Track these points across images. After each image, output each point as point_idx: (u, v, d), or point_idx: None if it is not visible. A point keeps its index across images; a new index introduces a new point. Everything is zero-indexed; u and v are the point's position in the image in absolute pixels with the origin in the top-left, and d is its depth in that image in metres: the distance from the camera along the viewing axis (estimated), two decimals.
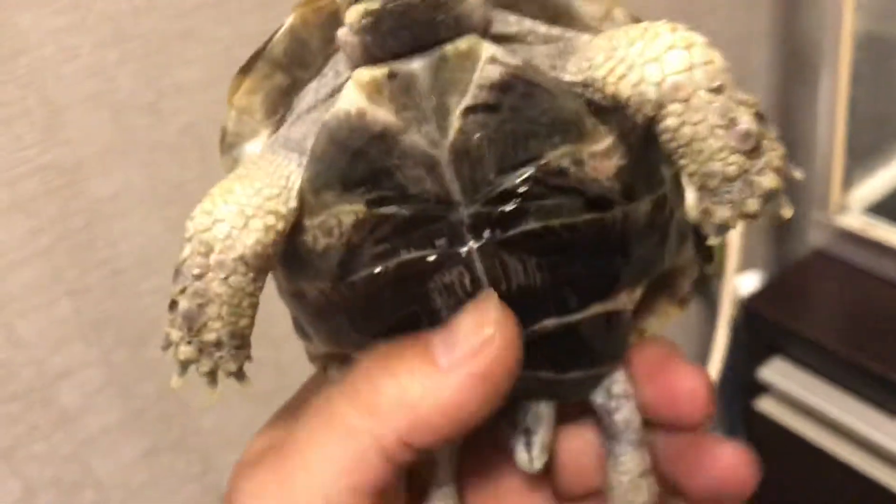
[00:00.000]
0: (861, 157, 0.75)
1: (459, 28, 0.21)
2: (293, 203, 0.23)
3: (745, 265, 0.82)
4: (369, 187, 0.22)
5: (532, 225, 0.22)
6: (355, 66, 0.22)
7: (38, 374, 0.53)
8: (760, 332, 0.74)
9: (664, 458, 0.26)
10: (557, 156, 0.22)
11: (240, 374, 0.24)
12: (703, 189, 0.21)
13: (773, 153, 0.21)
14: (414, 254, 0.23)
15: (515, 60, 0.22)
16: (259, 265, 0.23)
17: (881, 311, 0.69)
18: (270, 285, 0.27)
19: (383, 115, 0.21)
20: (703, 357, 0.87)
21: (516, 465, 0.27)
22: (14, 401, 0.53)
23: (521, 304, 0.23)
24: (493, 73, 0.21)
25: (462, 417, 0.22)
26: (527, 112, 0.22)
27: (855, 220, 0.73)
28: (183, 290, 0.23)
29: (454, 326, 0.23)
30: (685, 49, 0.21)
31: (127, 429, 0.58)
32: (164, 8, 0.50)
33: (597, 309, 0.24)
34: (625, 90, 0.21)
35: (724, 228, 0.22)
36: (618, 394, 0.26)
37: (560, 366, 0.25)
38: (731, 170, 0.21)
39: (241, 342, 0.23)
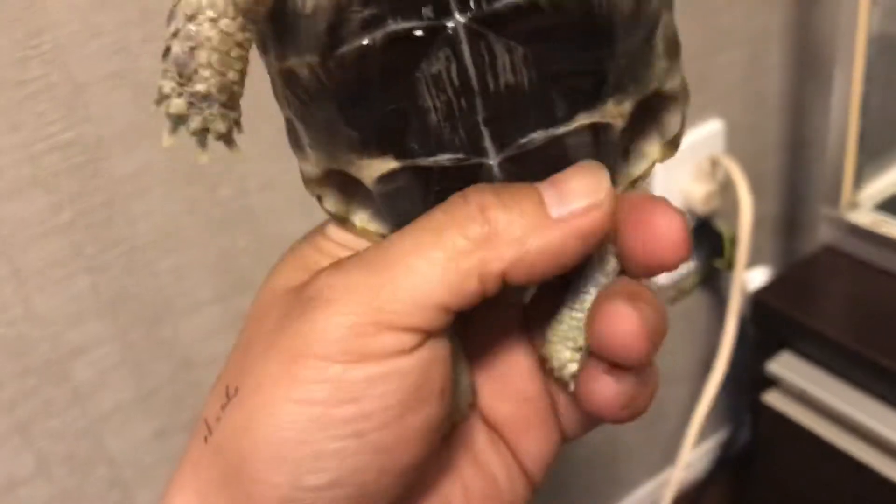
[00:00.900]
0: (872, 155, 0.76)
1: None
2: None
3: (754, 260, 0.83)
4: None
5: (524, 18, 0.23)
6: None
7: (54, 349, 0.54)
8: (769, 326, 0.74)
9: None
10: None
11: (229, 138, 0.24)
12: None
13: None
14: (401, 24, 0.23)
15: None
16: (247, 8, 0.23)
17: (891, 306, 0.69)
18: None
19: None
20: (711, 350, 0.88)
21: (550, 366, 0.28)
22: (29, 375, 0.53)
23: (509, 112, 0.24)
24: None
25: (558, 264, 0.24)
26: None
27: (865, 216, 0.73)
28: (175, 34, 0.23)
29: (567, 184, 0.24)
30: None
31: (140, 407, 0.58)
32: None
33: (584, 119, 0.25)
34: None
35: None
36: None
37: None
38: None
39: (229, 100, 0.24)
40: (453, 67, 0.23)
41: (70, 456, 0.56)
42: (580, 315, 0.28)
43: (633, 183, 0.28)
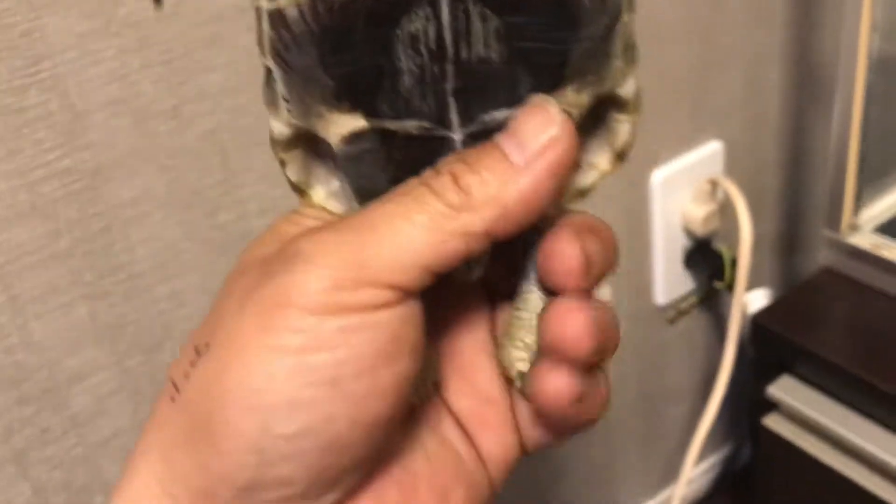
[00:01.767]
0: (872, 177, 0.76)
1: None
2: None
3: (754, 282, 0.83)
4: None
5: None
6: None
7: (51, 377, 0.53)
8: (769, 348, 0.74)
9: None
10: None
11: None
12: None
13: None
14: None
15: None
16: None
17: (891, 330, 0.69)
18: None
19: None
20: (712, 370, 0.88)
21: (500, 366, 0.29)
22: (27, 403, 0.53)
23: (477, 86, 0.25)
24: None
25: (538, 206, 0.25)
26: None
27: (865, 239, 0.73)
28: None
29: (519, 128, 0.25)
30: None
31: (138, 433, 0.58)
32: (188, 15, 0.50)
33: None
34: None
35: None
36: (540, 228, 0.27)
37: None
38: None
39: None
40: (431, 28, 0.24)
41: (67, 484, 0.55)
42: (525, 315, 0.28)
43: (581, 194, 0.30)
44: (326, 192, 0.29)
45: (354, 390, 0.24)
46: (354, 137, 0.26)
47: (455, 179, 0.25)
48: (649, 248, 0.82)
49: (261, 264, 0.26)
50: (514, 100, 0.26)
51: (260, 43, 0.27)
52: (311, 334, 0.24)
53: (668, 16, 0.72)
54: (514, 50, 0.25)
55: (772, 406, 0.73)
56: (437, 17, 0.24)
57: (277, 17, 0.25)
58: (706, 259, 0.83)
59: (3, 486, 0.53)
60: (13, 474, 0.53)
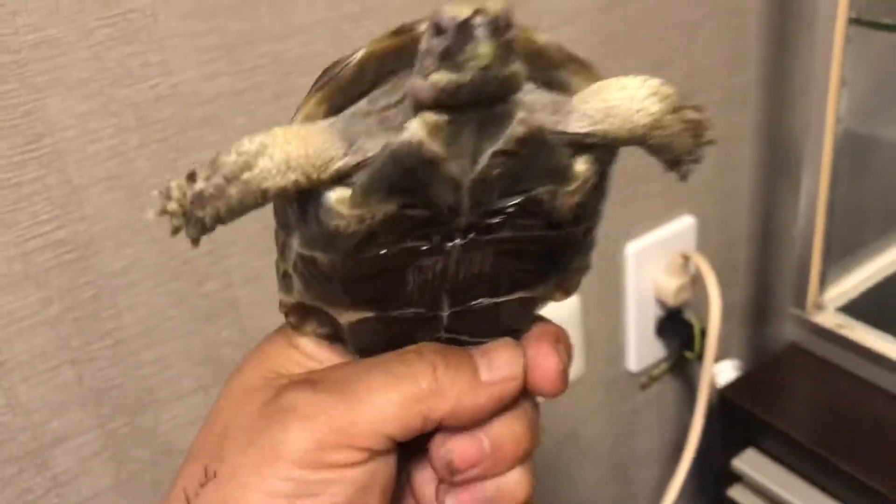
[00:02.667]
0: (838, 257, 0.78)
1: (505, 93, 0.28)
2: (324, 176, 0.28)
3: (723, 353, 0.85)
4: (406, 195, 0.28)
5: (505, 234, 0.30)
6: (420, 106, 0.27)
7: (35, 438, 0.55)
8: (736, 422, 0.76)
9: None
10: (542, 191, 0.29)
11: (196, 241, 0.29)
12: (673, 161, 0.31)
13: (705, 123, 0.31)
14: (414, 243, 0.29)
15: (536, 122, 0.28)
16: (272, 198, 0.28)
17: (853, 409, 0.71)
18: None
19: (436, 147, 0.27)
20: (681, 435, 0.89)
21: None
22: (9, 463, 0.54)
23: (467, 286, 0.31)
24: (519, 130, 0.28)
25: (480, 417, 0.32)
26: (533, 159, 0.29)
27: (829, 318, 0.76)
28: (208, 177, 0.28)
29: (493, 355, 0.33)
30: (655, 94, 0.29)
31: (118, 493, 0.59)
32: (185, 95, 0.52)
33: (518, 294, 0.32)
34: (622, 134, 0.29)
35: (690, 171, 0.32)
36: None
37: (477, 333, 0.33)
38: (687, 148, 0.31)
39: (214, 226, 0.28)
40: (439, 265, 0.30)
41: None
42: None
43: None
44: (316, 333, 0.35)
45: None
46: (361, 321, 0.32)
47: (433, 369, 0.31)
48: (623, 317, 0.84)
49: (259, 401, 0.32)
50: (496, 293, 0.32)
51: (282, 253, 0.32)
52: (299, 483, 0.30)
53: None
54: (502, 271, 0.31)
55: (737, 478, 0.75)
56: (447, 260, 0.30)
57: (309, 260, 0.31)
58: (677, 328, 0.86)
59: None
60: None
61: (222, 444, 0.32)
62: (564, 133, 0.29)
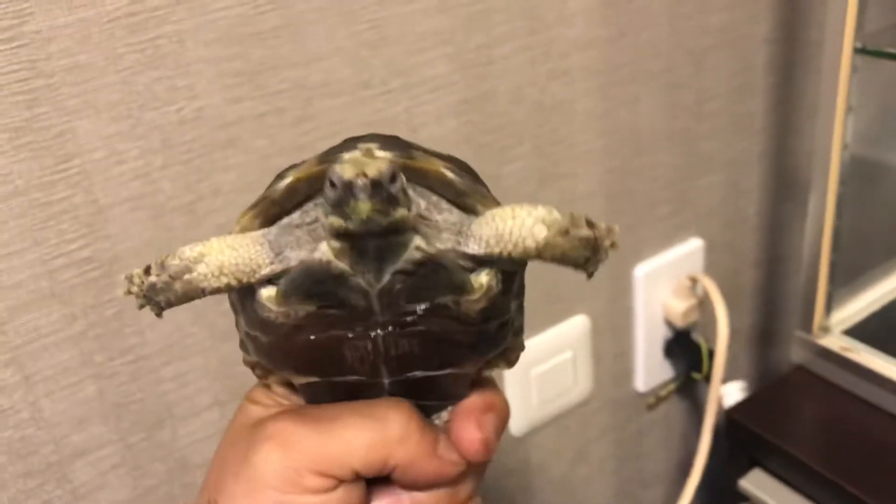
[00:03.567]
0: (844, 280, 0.79)
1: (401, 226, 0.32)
2: (252, 280, 0.33)
3: (730, 374, 0.86)
4: (322, 299, 0.33)
5: (420, 328, 0.34)
6: (330, 235, 0.32)
7: (56, 451, 0.56)
8: (742, 443, 0.77)
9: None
10: (446, 300, 0.34)
11: (159, 315, 0.34)
12: (574, 267, 0.34)
13: (603, 238, 0.34)
14: (341, 332, 0.34)
15: (432, 249, 0.33)
16: (210, 294, 0.34)
17: (858, 431, 0.72)
18: None
19: (342, 266, 0.32)
20: (688, 456, 0.90)
21: None
22: (30, 477, 0.55)
23: (400, 361, 0.35)
24: (416, 255, 0.33)
25: (424, 481, 0.37)
26: (432, 277, 0.33)
27: (835, 341, 0.77)
28: (158, 274, 0.33)
29: (456, 439, 0.38)
30: (542, 221, 0.33)
31: None
32: (209, 119, 0.54)
33: (450, 370, 0.36)
34: (517, 253, 0.33)
35: (591, 275, 0.35)
36: (444, 419, 0.39)
37: (421, 397, 0.37)
38: (584, 258, 0.34)
39: (169, 307, 0.34)
40: (369, 346, 0.35)
41: None
42: None
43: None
44: (280, 384, 0.40)
45: None
46: (309, 384, 0.37)
47: (409, 420, 0.36)
48: (631, 338, 0.85)
49: (249, 435, 0.37)
50: (429, 367, 0.36)
51: (236, 325, 0.38)
52: None
53: (654, 124, 0.77)
54: (428, 353, 0.35)
55: (743, 498, 0.76)
56: (375, 343, 0.34)
57: (252, 338, 0.37)
58: (685, 350, 0.87)
59: None
60: None
61: (220, 476, 0.37)
62: (463, 254, 0.34)
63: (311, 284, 0.33)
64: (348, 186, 0.30)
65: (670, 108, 0.77)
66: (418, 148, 0.36)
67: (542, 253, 0.33)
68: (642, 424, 0.91)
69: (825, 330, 0.78)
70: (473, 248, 0.34)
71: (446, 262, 0.33)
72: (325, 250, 0.32)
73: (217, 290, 0.34)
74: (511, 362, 0.40)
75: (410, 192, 0.33)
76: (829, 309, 0.78)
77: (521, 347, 0.40)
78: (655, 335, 0.86)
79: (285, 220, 0.34)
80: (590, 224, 0.34)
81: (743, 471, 0.76)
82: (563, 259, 0.34)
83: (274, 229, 0.34)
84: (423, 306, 0.34)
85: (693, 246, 0.85)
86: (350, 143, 0.35)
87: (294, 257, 0.33)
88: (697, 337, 0.87)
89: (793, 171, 0.89)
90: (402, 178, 0.31)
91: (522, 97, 0.68)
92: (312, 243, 0.33)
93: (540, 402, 0.78)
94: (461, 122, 0.65)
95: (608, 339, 0.83)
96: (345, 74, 0.58)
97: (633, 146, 0.76)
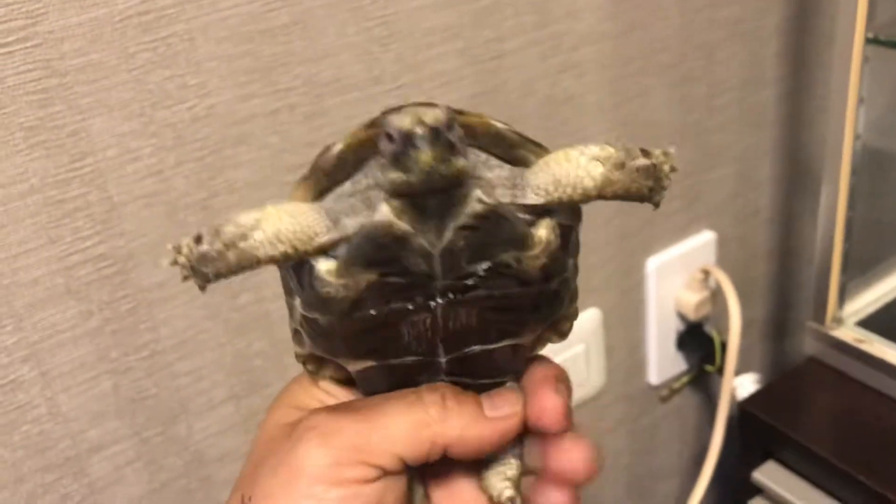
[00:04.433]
0: (857, 272, 0.79)
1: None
2: (310, 248, 0.32)
3: (743, 366, 0.86)
4: (384, 265, 0.32)
5: (481, 292, 0.33)
6: (389, 193, 0.31)
7: (74, 446, 0.57)
8: (755, 435, 0.77)
9: (531, 450, 0.38)
10: (507, 257, 0.32)
11: (202, 288, 0.33)
12: (639, 200, 0.34)
13: (662, 163, 0.33)
14: (400, 304, 0.33)
15: (493, 200, 0.32)
16: (264, 264, 0.32)
17: (871, 422, 0.72)
18: None
19: (403, 226, 0.31)
20: (702, 448, 0.90)
21: (489, 496, 0.38)
22: (48, 471, 0.56)
23: (458, 335, 0.34)
24: (478, 207, 0.31)
25: (483, 447, 0.36)
26: (494, 231, 0.32)
27: (848, 332, 0.77)
28: (211, 242, 0.31)
29: (497, 395, 0.36)
30: (596, 158, 0.32)
31: (151, 500, 0.61)
32: (221, 116, 0.54)
33: (508, 342, 0.35)
34: (577, 196, 0.32)
35: (657, 205, 0.34)
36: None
37: (477, 375, 0.36)
38: (647, 188, 0.33)
39: (216, 279, 0.32)
40: (428, 320, 0.34)
41: None
42: (503, 454, 0.38)
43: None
44: (333, 378, 0.38)
45: None
46: (365, 369, 0.36)
47: (443, 399, 0.35)
48: (644, 331, 0.85)
49: (286, 432, 0.36)
50: (486, 341, 0.35)
51: (290, 314, 0.36)
52: (319, 499, 0.33)
53: (665, 118, 0.77)
54: (487, 323, 0.34)
55: (757, 490, 0.76)
56: (434, 315, 0.33)
57: (310, 320, 0.35)
58: (698, 342, 0.87)
59: None
60: None
61: (256, 473, 0.36)
62: (521, 205, 0.33)
63: (373, 250, 0.32)
64: (407, 137, 0.29)
65: (681, 101, 0.77)
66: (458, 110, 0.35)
67: (603, 191, 0.32)
68: (655, 417, 0.91)
69: (838, 321, 0.78)
70: (532, 197, 0.33)
71: (507, 213, 0.32)
72: (385, 211, 0.31)
73: (272, 260, 0.32)
74: (563, 334, 0.39)
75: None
76: (842, 300, 0.78)
77: (575, 315, 0.39)
78: (668, 328, 0.86)
79: (337, 190, 0.33)
80: (645, 153, 0.33)
81: (757, 463, 0.76)
82: (626, 194, 0.33)
83: (328, 199, 0.33)
84: (484, 266, 0.32)
85: (705, 238, 0.85)
86: (392, 110, 0.33)
87: (351, 224, 0.32)
88: (710, 329, 0.87)
89: (805, 162, 0.89)
90: (458, 127, 0.30)
91: (533, 91, 0.68)
92: (368, 209, 0.32)
93: None
94: None
95: (620, 332, 0.83)
96: (355, 70, 0.58)
97: (643, 139, 0.76)
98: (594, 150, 0.32)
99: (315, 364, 0.38)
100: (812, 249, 0.78)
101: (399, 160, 0.29)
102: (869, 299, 0.81)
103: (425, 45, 0.61)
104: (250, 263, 0.32)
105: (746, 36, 0.80)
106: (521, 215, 0.33)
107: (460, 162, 0.30)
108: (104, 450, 0.58)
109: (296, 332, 0.37)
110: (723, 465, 0.83)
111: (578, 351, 0.78)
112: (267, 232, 0.31)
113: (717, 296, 0.84)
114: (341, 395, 0.38)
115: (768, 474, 0.74)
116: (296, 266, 0.33)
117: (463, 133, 0.31)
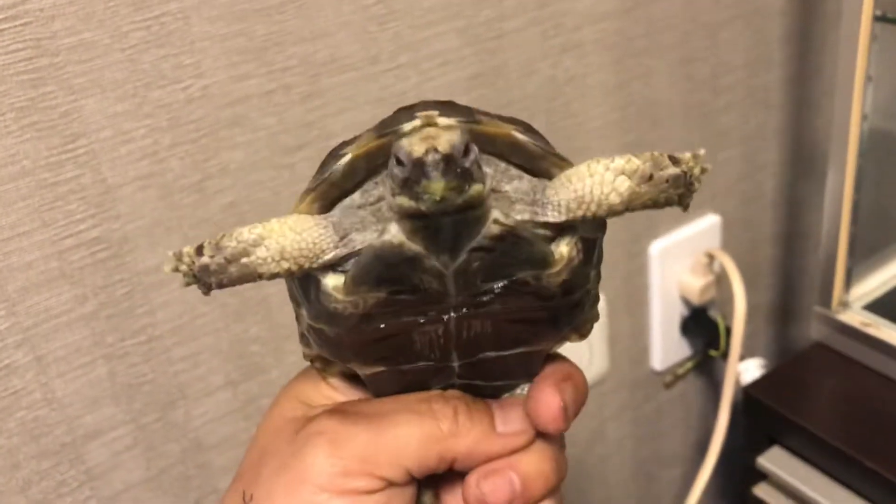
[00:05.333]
0: (864, 256, 0.78)
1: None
2: (315, 265, 0.31)
3: (748, 351, 0.85)
4: (393, 284, 0.31)
5: (496, 307, 0.32)
6: (400, 215, 0.30)
7: (70, 432, 0.56)
8: (761, 420, 0.76)
9: None
10: (525, 275, 0.31)
11: (206, 293, 0.32)
12: (668, 206, 0.32)
13: (692, 168, 0.31)
14: (411, 318, 0.32)
15: (510, 221, 0.30)
16: (267, 279, 0.31)
17: (878, 407, 0.71)
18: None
19: (415, 247, 0.30)
20: (706, 434, 0.90)
21: None
22: (45, 457, 0.55)
23: (472, 343, 0.33)
24: (495, 229, 0.30)
25: (491, 461, 0.35)
26: (511, 252, 0.31)
27: (855, 316, 0.76)
28: (212, 256, 0.30)
29: (510, 409, 0.36)
30: (622, 173, 0.30)
31: (149, 487, 0.60)
32: (215, 97, 0.53)
33: (523, 349, 0.34)
34: (601, 212, 0.31)
35: (687, 207, 0.32)
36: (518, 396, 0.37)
37: (490, 378, 0.36)
38: (677, 196, 0.31)
39: (219, 288, 0.31)
40: (440, 330, 0.33)
41: None
42: None
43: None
44: (341, 376, 0.38)
45: None
46: (376, 373, 0.35)
47: (455, 414, 0.35)
48: (648, 315, 0.84)
49: (293, 428, 0.35)
50: (501, 348, 0.34)
51: (297, 319, 0.36)
52: None
53: (669, 98, 0.76)
54: (502, 333, 0.33)
55: (762, 476, 0.75)
56: (446, 327, 0.32)
57: (318, 331, 0.34)
58: (702, 327, 0.86)
59: None
60: None
61: (259, 469, 0.35)
62: (543, 224, 0.31)
63: (382, 269, 0.30)
64: (418, 164, 0.27)
65: (685, 81, 0.76)
66: (478, 111, 0.33)
67: (630, 205, 0.31)
68: (659, 403, 0.90)
69: (844, 305, 0.77)
70: (553, 215, 0.31)
71: (526, 233, 0.31)
72: (395, 232, 0.30)
73: (275, 276, 0.31)
74: (584, 334, 0.37)
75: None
76: (848, 284, 0.77)
77: (596, 317, 0.37)
78: (672, 313, 0.85)
79: (346, 202, 0.32)
80: (674, 160, 0.31)
81: (762, 448, 0.75)
82: (654, 204, 0.31)
83: (336, 212, 0.32)
84: (500, 284, 0.31)
85: (710, 222, 0.83)
86: (405, 113, 0.31)
87: (360, 240, 0.31)
88: (714, 314, 0.86)
89: (811, 144, 0.87)
90: (475, 149, 0.29)
91: (534, 71, 0.67)
92: (378, 224, 0.31)
93: None
94: (472, 98, 0.64)
95: (624, 317, 0.82)
96: (352, 50, 0.57)
97: (647, 120, 0.75)
98: (619, 162, 0.31)
99: (323, 363, 0.37)
100: (818, 233, 0.77)
101: (408, 186, 0.28)
102: (875, 283, 0.79)
103: (424, 24, 0.60)
104: (252, 278, 0.31)
105: (751, 15, 0.78)
106: (540, 231, 0.31)
107: (476, 189, 0.28)
108: (101, 436, 0.57)
109: (303, 336, 0.36)
110: (727, 450, 0.82)
111: None
112: (270, 249, 0.30)
113: (721, 280, 0.84)
114: (350, 392, 0.37)
115: (773, 460, 0.74)
116: (302, 278, 0.32)
117: (478, 153, 0.29)
